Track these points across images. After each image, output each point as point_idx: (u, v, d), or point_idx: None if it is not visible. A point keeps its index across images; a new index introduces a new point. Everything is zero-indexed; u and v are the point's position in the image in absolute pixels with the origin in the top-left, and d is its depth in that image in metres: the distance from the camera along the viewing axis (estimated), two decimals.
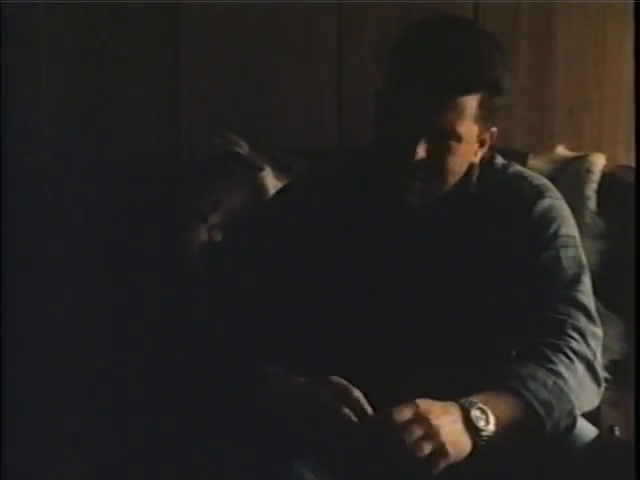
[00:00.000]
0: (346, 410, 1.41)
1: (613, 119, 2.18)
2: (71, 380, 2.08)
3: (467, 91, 1.52)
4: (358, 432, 1.40)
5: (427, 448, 1.37)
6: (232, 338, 1.61)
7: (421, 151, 1.53)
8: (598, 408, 1.58)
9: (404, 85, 1.53)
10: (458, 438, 1.40)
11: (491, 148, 1.68)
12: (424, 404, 1.40)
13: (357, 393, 1.43)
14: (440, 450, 1.38)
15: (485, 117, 1.56)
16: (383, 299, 1.62)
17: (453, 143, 1.54)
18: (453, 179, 1.60)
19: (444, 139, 1.53)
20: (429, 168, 1.55)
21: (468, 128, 1.55)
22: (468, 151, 1.59)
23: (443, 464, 1.38)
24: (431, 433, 1.38)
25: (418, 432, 1.37)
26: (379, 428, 1.39)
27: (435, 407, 1.41)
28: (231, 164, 1.99)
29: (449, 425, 1.40)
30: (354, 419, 1.41)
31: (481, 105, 1.54)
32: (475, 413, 1.41)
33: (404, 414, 1.38)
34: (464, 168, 1.62)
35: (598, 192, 1.98)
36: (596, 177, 1.98)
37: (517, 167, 1.72)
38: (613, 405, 1.73)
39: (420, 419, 1.38)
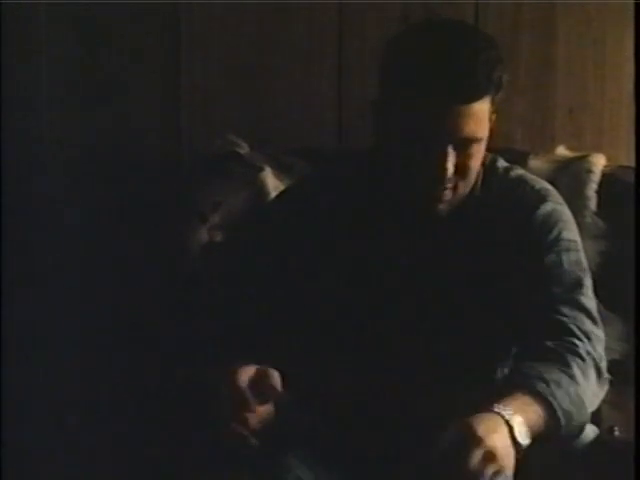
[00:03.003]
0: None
1: (613, 119, 2.18)
2: (71, 380, 2.08)
3: (481, 96, 1.52)
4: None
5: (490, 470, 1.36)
6: (232, 338, 1.61)
7: (451, 166, 1.52)
8: (598, 408, 1.58)
9: (414, 101, 1.51)
10: (510, 455, 1.38)
11: (493, 150, 1.68)
12: (478, 427, 1.37)
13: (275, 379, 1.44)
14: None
15: (491, 113, 1.57)
16: (385, 301, 1.62)
17: (475, 147, 1.55)
18: (474, 178, 1.60)
19: (468, 147, 1.54)
20: (456, 176, 1.55)
21: (485, 129, 1.55)
22: (483, 149, 1.59)
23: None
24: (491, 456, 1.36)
25: (478, 458, 1.35)
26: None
27: (486, 427, 1.37)
28: (231, 164, 1.99)
29: (503, 445, 1.38)
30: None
31: (491, 103, 1.55)
32: (519, 429, 1.39)
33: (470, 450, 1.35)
34: (480, 165, 1.62)
35: (598, 192, 1.97)
36: (596, 177, 1.98)
37: (519, 170, 1.71)
38: (613, 405, 1.73)
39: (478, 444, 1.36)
